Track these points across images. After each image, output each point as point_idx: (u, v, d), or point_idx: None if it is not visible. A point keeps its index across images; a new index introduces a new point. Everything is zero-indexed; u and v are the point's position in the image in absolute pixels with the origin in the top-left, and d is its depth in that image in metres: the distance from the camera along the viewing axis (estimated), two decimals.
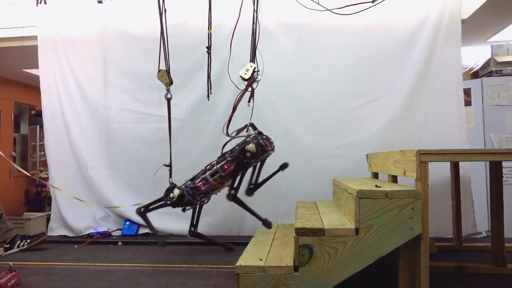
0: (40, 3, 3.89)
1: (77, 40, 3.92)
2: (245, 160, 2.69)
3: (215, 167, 2.76)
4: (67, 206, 3.81)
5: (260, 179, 2.93)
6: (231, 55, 3.03)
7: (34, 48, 3.94)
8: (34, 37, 3.95)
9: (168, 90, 3.05)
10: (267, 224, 2.80)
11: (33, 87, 5.60)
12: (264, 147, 2.75)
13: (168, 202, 2.83)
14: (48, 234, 3.83)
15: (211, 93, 3.27)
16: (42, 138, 5.75)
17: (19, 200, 5.63)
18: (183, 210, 2.87)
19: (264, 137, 2.82)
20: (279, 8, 3.63)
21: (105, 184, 3.82)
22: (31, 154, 6.15)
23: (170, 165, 3.02)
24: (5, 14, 4.10)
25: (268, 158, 3.65)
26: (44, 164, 5.60)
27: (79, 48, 3.92)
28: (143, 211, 2.92)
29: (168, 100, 3.06)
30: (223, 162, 2.75)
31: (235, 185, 2.78)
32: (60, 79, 3.90)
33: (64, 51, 3.91)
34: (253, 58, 2.93)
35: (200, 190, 2.76)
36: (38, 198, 5.59)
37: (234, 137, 2.84)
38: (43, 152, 5.26)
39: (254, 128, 2.89)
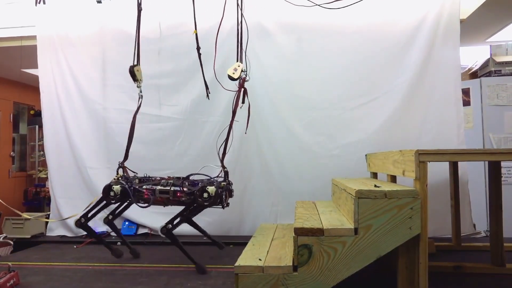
0: (39, 3, 3.88)
1: (76, 40, 3.92)
2: (199, 200, 2.55)
3: (169, 187, 2.65)
4: (66, 206, 3.81)
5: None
6: (216, 55, 3.04)
7: (33, 48, 3.93)
8: (33, 37, 3.95)
9: (139, 87, 3.05)
10: (200, 269, 2.60)
11: (32, 87, 5.60)
12: (222, 199, 2.59)
13: (113, 201, 2.74)
14: (47, 234, 3.83)
15: (209, 92, 3.26)
16: (41, 138, 5.75)
17: (18, 200, 5.62)
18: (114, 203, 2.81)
19: (231, 188, 2.72)
20: (279, 8, 3.63)
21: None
22: (30, 154, 6.14)
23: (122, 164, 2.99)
24: (4, 14, 4.09)
25: (268, 158, 3.67)
26: (43, 164, 5.60)
27: (78, 48, 3.91)
28: (84, 222, 2.84)
29: (141, 97, 3.07)
30: (178, 189, 2.64)
31: (174, 222, 2.64)
32: (59, 79, 3.90)
33: (63, 51, 3.91)
34: (240, 58, 2.92)
35: (142, 196, 2.69)
36: (37, 198, 5.58)
37: (196, 174, 2.78)
38: (42, 152, 5.26)
39: (227, 175, 2.75)
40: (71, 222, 3.78)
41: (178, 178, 2.78)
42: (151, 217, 3.75)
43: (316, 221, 2.11)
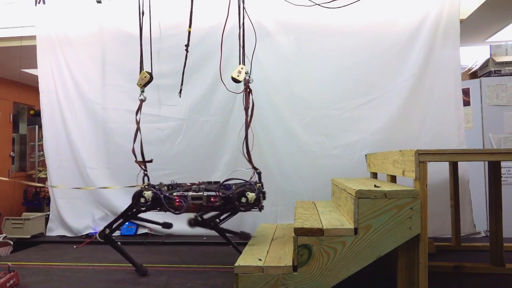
0: (39, 3, 3.89)
1: (75, 40, 3.92)
2: (236, 203, 2.45)
3: (202, 193, 2.55)
4: (66, 207, 3.81)
5: None
6: (221, 57, 3.01)
7: (33, 48, 3.93)
8: (33, 37, 3.94)
9: (142, 92, 3.01)
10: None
11: (31, 87, 5.59)
12: (259, 203, 2.50)
13: (141, 208, 2.59)
14: (47, 234, 3.84)
15: (181, 90, 3.20)
16: (40, 138, 5.75)
17: (18, 200, 5.62)
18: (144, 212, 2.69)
19: (262, 192, 2.58)
20: (278, 8, 3.63)
21: (103, 184, 3.81)
22: (29, 154, 6.14)
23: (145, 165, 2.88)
24: (4, 14, 4.09)
25: (268, 158, 3.66)
26: (43, 164, 5.59)
27: (78, 48, 3.92)
28: (108, 233, 2.66)
29: (142, 101, 3.03)
30: (213, 194, 2.54)
31: (205, 215, 2.58)
32: (59, 79, 3.90)
33: (62, 51, 3.91)
34: (242, 60, 2.91)
35: (173, 204, 2.56)
36: (37, 198, 5.58)
37: (235, 179, 2.62)
38: (41, 152, 5.26)
39: (260, 178, 2.63)
40: (70, 222, 3.79)
41: (209, 182, 2.69)
42: (151, 217, 3.74)
43: (316, 221, 2.11)
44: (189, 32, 2.99)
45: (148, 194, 2.56)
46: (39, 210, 5.36)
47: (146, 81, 2.99)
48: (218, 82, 3.54)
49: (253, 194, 2.44)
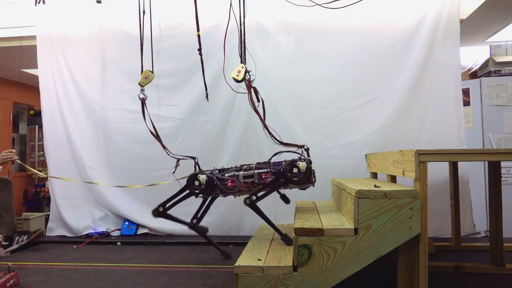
0: (39, 3, 3.89)
1: (75, 40, 3.92)
2: (289, 174, 2.44)
3: (253, 171, 2.57)
4: (66, 206, 3.81)
5: None
6: (225, 56, 3.01)
7: (33, 48, 3.94)
8: (33, 37, 3.95)
9: (142, 91, 3.02)
10: (286, 239, 2.46)
11: (31, 87, 5.60)
12: (312, 174, 2.50)
13: (197, 191, 2.59)
14: (47, 234, 3.83)
15: (207, 94, 3.25)
16: (40, 138, 5.76)
17: (18, 200, 5.62)
18: (196, 196, 2.68)
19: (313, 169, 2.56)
20: (278, 8, 3.63)
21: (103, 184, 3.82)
22: (29, 154, 6.15)
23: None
24: (4, 13, 4.09)
25: (268, 157, 3.66)
26: (43, 164, 5.60)
27: (78, 48, 3.92)
28: (162, 211, 2.71)
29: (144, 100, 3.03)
30: (263, 170, 2.56)
31: (259, 194, 2.53)
32: (59, 79, 3.90)
33: (62, 51, 3.91)
34: (243, 59, 2.91)
35: (226, 185, 2.58)
36: (37, 199, 5.58)
37: (284, 151, 2.60)
38: (42, 152, 5.27)
39: (308, 153, 2.65)
40: (70, 222, 3.79)
41: (259, 163, 2.68)
42: (151, 217, 3.74)
43: (316, 221, 2.11)
44: (199, 36, 2.98)
45: (202, 177, 2.57)
46: (39, 210, 5.37)
47: (151, 80, 2.97)
48: (218, 82, 3.55)
49: (304, 163, 2.43)
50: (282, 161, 2.57)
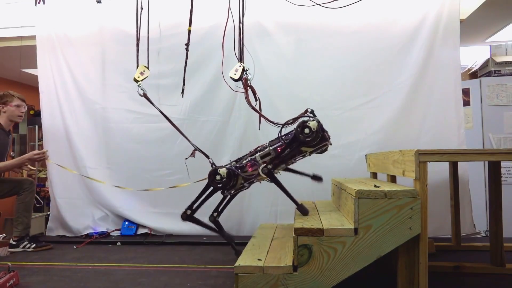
0: (39, 3, 3.89)
1: (75, 40, 3.92)
2: (301, 136, 2.39)
3: (267, 148, 2.54)
4: (66, 206, 3.81)
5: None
6: (223, 56, 3.01)
7: (33, 48, 3.93)
8: (33, 37, 3.95)
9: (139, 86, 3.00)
10: (302, 210, 2.45)
11: (31, 87, 5.59)
12: (325, 133, 2.47)
13: (218, 185, 2.56)
14: (46, 234, 3.84)
15: (183, 89, 3.21)
16: (40, 138, 5.75)
17: None
18: (223, 193, 2.67)
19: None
20: (278, 8, 3.63)
21: (104, 184, 3.81)
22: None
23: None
24: (3, 13, 4.09)
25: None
26: (43, 164, 5.59)
27: (78, 48, 3.92)
28: (190, 214, 2.68)
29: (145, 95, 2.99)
30: (278, 144, 2.53)
31: (275, 161, 2.50)
32: (59, 79, 3.90)
33: (62, 51, 3.91)
34: (240, 59, 2.90)
35: (247, 171, 2.54)
36: (37, 198, 5.57)
37: (291, 123, 2.57)
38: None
39: (314, 115, 2.60)
40: (70, 222, 3.79)
41: (271, 141, 2.64)
42: (151, 217, 3.76)
43: (316, 221, 2.11)
44: (189, 31, 2.98)
45: (222, 171, 2.54)
46: (39, 210, 5.36)
47: (146, 76, 2.97)
48: (218, 82, 3.56)
49: (314, 122, 2.41)
50: (292, 131, 2.53)
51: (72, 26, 3.92)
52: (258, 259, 2.05)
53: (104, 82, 3.89)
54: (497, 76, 4.21)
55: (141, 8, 3.00)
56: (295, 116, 2.61)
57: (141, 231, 3.72)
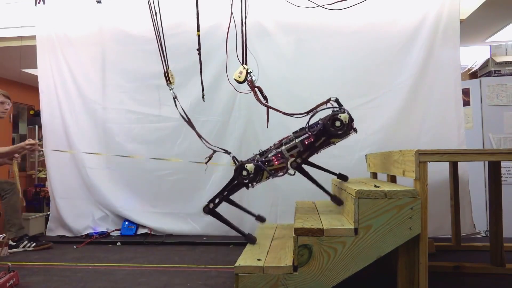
0: (39, 3, 3.89)
1: (75, 40, 3.92)
2: (332, 129, 2.35)
3: (294, 141, 2.50)
4: (66, 207, 3.81)
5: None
6: (227, 56, 3.01)
7: (33, 48, 3.93)
8: (33, 37, 3.95)
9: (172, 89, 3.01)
10: (336, 200, 2.46)
11: (31, 87, 5.59)
12: (352, 124, 2.41)
13: (246, 181, 2.51)
14: (46, 234, 3.84)
15: (204, 94, 3.24)
16: (40, 138, 5.75)
17: None
18: (247, 187, 2.61)
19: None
20: (278, 8, 3.63)
21: (103, 184, 3.82)
22: (29, 154, 6.14)
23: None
24: (3, 14, 4.09)
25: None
26: (43, 164, 5.60)
27: (78, 48, 3.92)
28: (212, 207, 2.63)
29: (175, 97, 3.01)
30: (305, 136, 2.47)
31: (304, 155, 2.45)
32: (59, 79, 3.90)
33: (62, 51, 3.91)
34: (244, 60, 2.90)
35: (273, 164, 2.50)
36: (37, 199, 5.58)
37: (316, 111, 2.51)
38: (41, 152, 5.25)
39: (339, 104, 2.52)
40: (70, 222, 3.79)
41: (295, 132, 2.60)
42: (151, 217, 3.75)
43: (316, 221, 2.11)
44: (199, 36, 2.97)
45: (250, 166, 2.50)
46: (39, 210, 5.36)
47: (174, 79, 2.99)
48: (218, 82, 3.56)
49: (345, 114, 2.37)
50: (318, 121, 2.50)
51: (72, 26, 3.92)
52: (258, 259, 2.05)
53: (104, 82, 3.89)
54: (497, 76, 4.21)
55: (155, 12, 2.98)
56: (315, 104, 2.57)
57: (141, 231, 3.72)
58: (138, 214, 3.75)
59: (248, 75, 2.74)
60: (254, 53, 3.63)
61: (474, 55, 4.61)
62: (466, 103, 4.06)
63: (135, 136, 3.83)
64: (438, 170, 3.19)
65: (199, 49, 3.01)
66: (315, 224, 2.01)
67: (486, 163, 2.95)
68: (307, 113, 2.56)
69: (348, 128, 2.38)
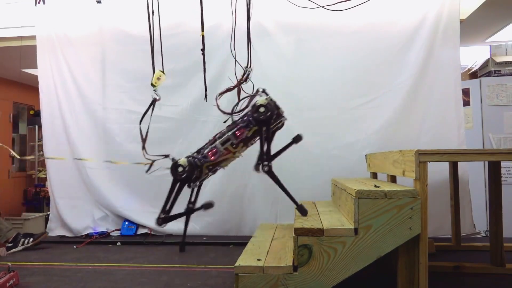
0: (39, 3, 3.89)
1: (75, 40, 3.92)
2: (261, 117, 2.44)
3: (226, 134, 2.57)
4: (66, 207, 3.81)
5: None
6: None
7: (33, 48, 3.93)
8: (33, 37, 3.94)
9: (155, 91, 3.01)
10: (302, 210, 2.47)
11: (31, 87, 5.59)
12: (279, 109, 2.51)
13: (182, 176, 2.58)
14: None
15: (207, 94, 3.25)
16: (40, 138, 5.75)
17: (18, 200, 5.62)
18: (189, 186, 2.69)
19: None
20: (278, 8, 3.63)
21: (103, 184, 3.82)
22: (29, 154, 6.14)
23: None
24: (3, 13, 4.09)
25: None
26: (43, 164, 5.60)
27: (78, 48, 3.91)
28: (164, 217, 2.69)
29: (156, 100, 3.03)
30: (235, 128, 2.57)
31: (264, 156, 2.51)
32: (59, 79, 3.90)
33: (62, 51, 3.90)
34: (249, 61, 2.90)
35: (209, 160, 2.57)
36: (37, 199, 5.58)
37: (236, 112, 2.63)
38: (41, 152, 5.26)
39: (266, 94, 2.63)
40: (70, 222, 3.78)
41: (228, 125, 2.67)
42: (151, 217, 3.74)
43: (316, 221, 2.11)
44: (203, 36, 3.02)
45: (183, 160, 2.58)
46: (39, 210, 5.37)
47: (163, 80, 3.00)
48: (218, 82, 3.56)
49: (263, 98, 2.46)
50: (247, 112, 2.58)
51: (72, 26, 3.92)
52: (258, 259, 2.05)
53: (104, 82, 3.89)
54: (497, 76, 4.21)
55: (153, 12, 2.99)
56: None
57: (141, 231, 3.72)
58: (138, 214, 3.74)
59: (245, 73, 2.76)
60: (254, 53, 3.65)
61: (474, 55, 4.61)
62: (466, 103, 4.06)
63: (135, 136, 3.81)
64: (438, 170, 3.19)
65: (203, 49, 3.01)
66: (315, 224, 2.01)
67: (486, 163, 2.95)
68: (233, 111, 2.66)
69: (273, 112, 2.47)
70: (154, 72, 3.01)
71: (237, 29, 3.05)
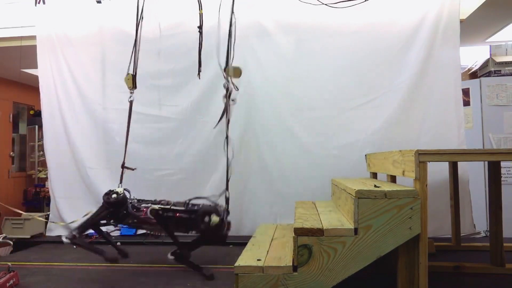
0: (39, 3, 3.89)
1: (75, 40, 3.92)
2: (198, 221, 2.46)
3: (169, 206, 2.56)
4: (66, 207, 3.81)
5: None
6: (232, 55, 3.01)
7: (33, 48, 3.93)
8: (33, 37, 3.94)
9: (131, 94, 3.02)
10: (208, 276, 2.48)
11: (31, 87, 5.59)
12: (223, 230, 2.52)
13: (111, 201, 2.55)
14: (47, 234, 3.83)
15: (200, 71, 3.25)
16: (40, 138, 5.75)
17: (18, 200, 5.61)
18: (114, 221, 2.70)
19: (228, 220, 2.57)
20: (278, 8, 3.63)
21: (104, 185, 3.80)
22: (29, 154, 6.14)
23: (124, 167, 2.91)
24: (4, 14, 4.09)
25: (267, 158, 3.67)
26: (43, 164, 5.60)
27: (78, 48, 3.91)
28: (80, 231, 2.61)
29: (131, 103, 3.04)
30: (179, 209, 2.55)
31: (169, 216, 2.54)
32: (59, 79, 3.90)
33: (62, 51, 3.91)
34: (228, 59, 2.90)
35: (140, 215, 2.56)
36: (37, 199, 5.58)
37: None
38: (41, 152, 5.26)
39: (227, 201, 2.66)
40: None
41: (178, 202, 2.65)
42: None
43: (316, 221, 2.11)
44: (201, 14, 3.05)
45: (120, 190, 2.61)
46: (39, 210, 5.36)
47: (131, 82, 3.02)
48: (218, 82, 3.54)
49: (217, 218, 2.45)
50: (200, 205, 2.57)
51: (72, 26, 3.92)
52: (258, 259, 2.05)
53: (104, 82, 3.89)
54: (497, 76, 4.21)
55: (142, 18, 3.00)
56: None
57: (141, 231, 3.71)
58: None
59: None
60: (254, 53, 3.66)
61: (474, 55, 4.61)
62: (466, 103, 4.06)
63: (135, 136, 3.81)
64: (438, 170, 3.19)
65: (200, 27, 3.04)
66: (315, 224, 2.01)
67: (486, 163, 2.95)
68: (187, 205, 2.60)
69: (214, 232, 2.46)
70: (135, 74, 3.02)
71: (238, 29, 3.04)
